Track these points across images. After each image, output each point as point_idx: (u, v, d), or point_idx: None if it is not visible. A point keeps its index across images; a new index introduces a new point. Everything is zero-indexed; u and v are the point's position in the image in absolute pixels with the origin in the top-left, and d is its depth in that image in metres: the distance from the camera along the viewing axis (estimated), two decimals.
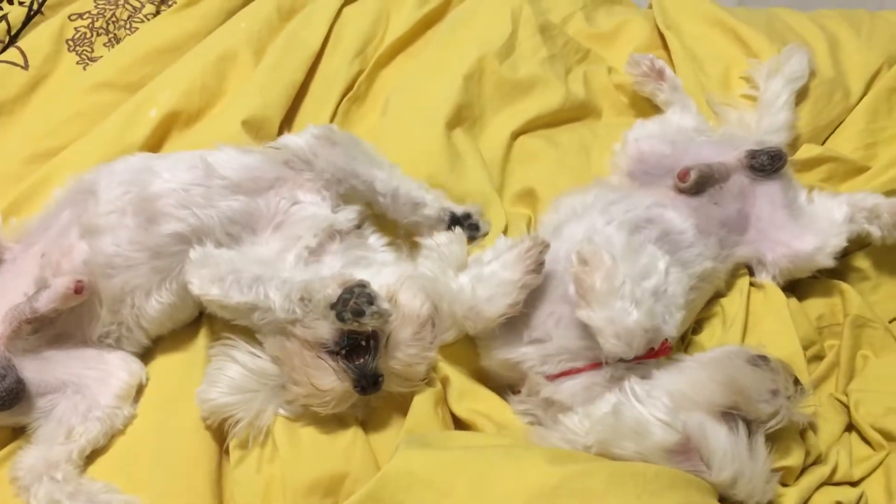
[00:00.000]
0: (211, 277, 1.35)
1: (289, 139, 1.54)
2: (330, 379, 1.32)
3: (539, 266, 1.37)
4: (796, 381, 1.31)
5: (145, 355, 1.51)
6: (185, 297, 1.44)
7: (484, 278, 1.37)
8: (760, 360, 1.32)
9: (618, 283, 1.30)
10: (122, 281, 1.42)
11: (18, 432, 1.44)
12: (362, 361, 1.32)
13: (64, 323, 1.45)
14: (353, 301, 1.28)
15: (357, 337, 1.33)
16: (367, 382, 1.32)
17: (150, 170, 1.47)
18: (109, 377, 1.43)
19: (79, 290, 1.40)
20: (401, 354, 1.35)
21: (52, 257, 1.45)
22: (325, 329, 1.33)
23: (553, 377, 1.38)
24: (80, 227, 1.45)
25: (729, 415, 1.28)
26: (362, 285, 1.31)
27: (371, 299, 1.29)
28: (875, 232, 1.62)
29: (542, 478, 1.15)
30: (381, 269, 1.47)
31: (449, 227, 1.57)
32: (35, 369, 1.41)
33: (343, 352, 1.33)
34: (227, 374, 1.37)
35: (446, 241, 1.50)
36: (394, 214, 1.58)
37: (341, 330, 1.32)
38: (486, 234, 1.62)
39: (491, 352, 1.44)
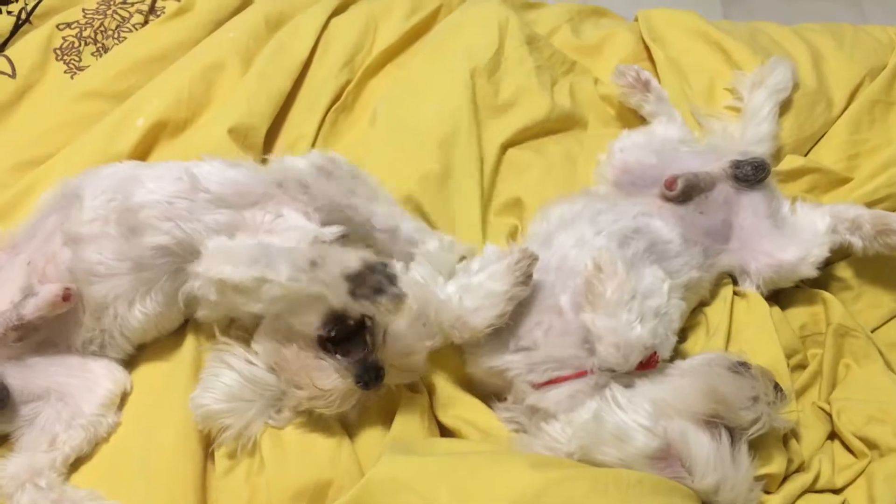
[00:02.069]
0: (224, 259, 1.33)
1: (289, 161, 1.51)
2: (332, 378, 1.31)
3: (527, 278, 1.38)
4: (777, 387, 1.33)
5: (130, 362, 1.50)
6: (170, 307, 1.44)
7: (472, 289, 1.38)
8: (741, 367, 1.33)
9: (627, 296, 1.32)
10: (105, 289, 1.41)
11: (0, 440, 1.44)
12: (362, 356, 1.30)
13: (48, 330, 1.44)
14: (375, 276, 1.24)
15: (346, 325, 1.31)
16: (370, 377, 1.30)
17: (136, 179, 1.46)
18: (94, 385, 1.43)
19: (67, 297, 1.39)
20: (399, 345, 1.33)
21: (38, 264, 1.44)
22: (312, 314, 1.30)
23: (539, 385, 1.39)
24: (63, 233, 1.44)
25: (711, 422, 1.29)
26: (384, 264, 1.26)
27: (392, 279, 1.24)
28: (857, 243, 1.64)
29: (525, 483, 1.15)
30: None
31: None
32: (19, 376, 1.41)
33: (339, 349, 1.32)
34: (222, 381, 1.36)
35: (437, 248, 1.51)
36: (391, 251, 1.52)
37: (330, 313, 1.30)
38: None
39: (477, 359, 1.45)
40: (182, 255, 1.41)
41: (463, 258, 1.56)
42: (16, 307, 1.39)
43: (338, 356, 1.31)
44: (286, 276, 1.26)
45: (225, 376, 1.37)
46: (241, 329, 1.46)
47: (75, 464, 1.39)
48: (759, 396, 1.30)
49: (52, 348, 1.46)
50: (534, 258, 1.38)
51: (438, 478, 1.18)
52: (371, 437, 1.39)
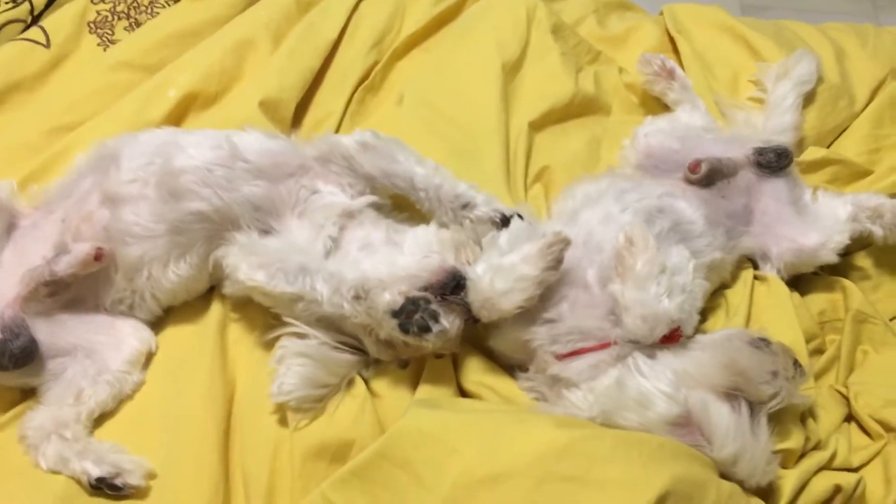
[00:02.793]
0: (258, 264, 1.37)
1: (336, 137, 1.55)
2: (452, 318, 1.36)
3: (558, 263, 1.37)
4: (796, 363, 1.34)
5: (156, 325, 1.52)
6: (202, 270, 1.47)
7: (503, 270, 1.36)
8: (761, 343, 1.34)
9: (657, 270, 1.34)
10: (140, 251, 1.44)
11: (27, 394, 1.45)
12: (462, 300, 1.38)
13: (79, 287, 1.47)
14: (419, 315, 1.29)
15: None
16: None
17: (176, 143, 1.49)
18: (120, 343, 1.45)
19: (99, 256, 1.42)
20: None
21: (73, 222, 1.46)
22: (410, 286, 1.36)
23: (562, 356, 1.40)
24: (101, 193, 1.46)
25: (731, 395, 1.30)
26: (427, 300, 1.31)
27: (436, 316, 1.30)
28: (877, 231, 1.65)
29: (549, 439, 1.17)
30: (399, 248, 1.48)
31: (498, 230, 1.51)
32: (48, 331, 1.43)
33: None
34: (298, 369, 1.37)
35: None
36: (440, 214, 1.52)
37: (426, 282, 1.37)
38: None
39: (502, 331, 1.46)
40: (218, 223, 1.45)
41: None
42: (48, 263, 1.42)
43: (444, 298, 1.37)
44: (326, 298, 1.33)
45: (302, 365, 1.37)
46: None
47: (101, 420, 1.42)
48: (779, 371, 1.31)
49: (82, 306, 1.48)
50: (567, 242, 1.38)
51: (464, 431, 1.20)
52: (395, 401, 1.40)
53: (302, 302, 1.36)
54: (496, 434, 1.19)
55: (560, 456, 1.15)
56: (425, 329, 1.29)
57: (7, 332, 1.36)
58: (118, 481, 1.30)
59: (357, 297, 1.32)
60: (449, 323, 1.31)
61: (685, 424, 1.25)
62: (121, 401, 1.43)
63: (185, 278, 1.47)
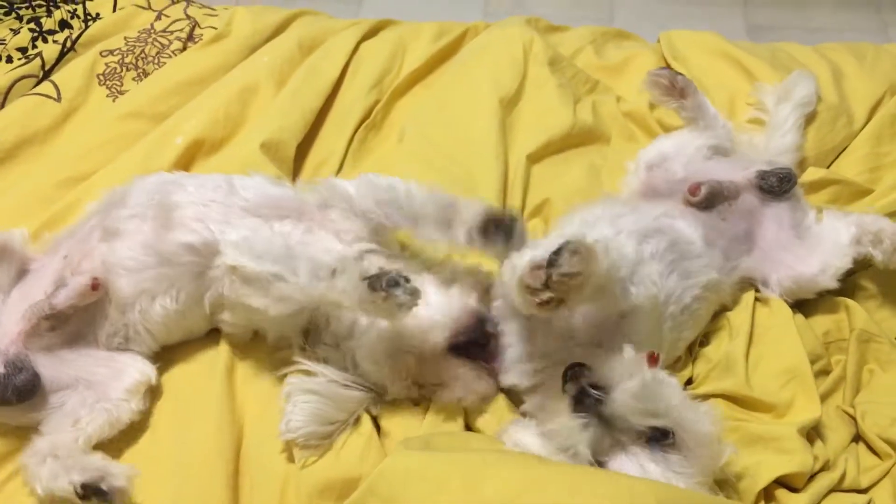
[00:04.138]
0: (247, 247, 1.37)
1: (336, 180, 1.58)
2: (488, 382, 1.42)
3: None
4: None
5: (165, 366, 1.54)
6: (192, 308, 1.49)
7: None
8: None
9: None
10: (132, 282, 1.47)
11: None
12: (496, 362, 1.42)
13: (79, 322, 1.50)
14: (391, 276, 1.27)
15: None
16: None
17: (178, 182, 1.55)
18: (120, 374, 1.47)
19: (95, 287, 1.46)
20: None
21: (74, 259, 1.51)
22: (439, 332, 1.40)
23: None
24: (102, 228, 1.51)
25: None
26: (398, 271, 1.30)
27: (407, 279, 1.28)
28: (877, 256, 1.63)
29: (533, 470, 1.19)
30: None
31: (484, 226, 1.48)
32: (50, 366, 1.46)
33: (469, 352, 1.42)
34: (306, 406, 1.38)
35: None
36: (431, 230, 1.50)
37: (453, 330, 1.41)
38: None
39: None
40: (206, 257, 1.46)
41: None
42: (48, 297, 1.46)
43: (479, 362, 1.42)
44: (304, 280, 1.31)
45: (309, 401, 1.39)
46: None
47: (114, 454, 1.43)
48: None
49: (82, 341, 1.51)
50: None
51: (449, 467, 1.22)
52: (399, 437, 1.41)
53: (281, 282, 1.33)
54: (481, 469, 1.20)
55: (544, 484, 1.16)
56: (394, 284, 1.27)
57: (10, 367, 1.40)
58: (103, 485, 1.32)
59: (334, 272, 1.30)
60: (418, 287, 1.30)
61: None
62: (119, 429, 1.44)
63: (172, 313, 1.49)
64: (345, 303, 1.31)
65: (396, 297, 1.27)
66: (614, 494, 1.13)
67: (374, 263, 1.47)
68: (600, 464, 1.25)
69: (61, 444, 1.37)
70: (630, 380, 1.25)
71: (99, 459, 1.37)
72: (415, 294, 1.28)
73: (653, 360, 1.31)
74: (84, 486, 1.31)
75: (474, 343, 1.45)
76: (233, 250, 1.37)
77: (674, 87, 1.85)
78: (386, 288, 1.26)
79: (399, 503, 1.20)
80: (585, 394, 1.25)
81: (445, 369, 1.42)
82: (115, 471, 1.34)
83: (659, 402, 1.25)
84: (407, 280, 1.28)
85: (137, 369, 1.48)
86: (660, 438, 1.25)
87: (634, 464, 1.24)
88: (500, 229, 1.45)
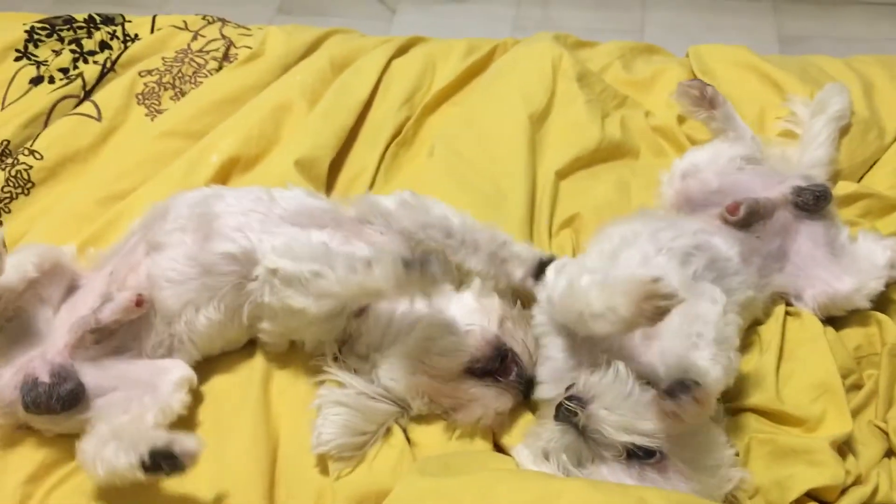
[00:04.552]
0: (285, 252, 1.42)
1: (376, 197, 1.62)
2: (506, 398, 1.43)
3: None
4: None
5: (201, 377, 1.56)
6: (232, 319, 1.52)
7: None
8: None
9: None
10: (175, 294, 1.51)
11: None
12: (516, 375, 1.44)
13: (123, 335, 1.53)
14: (422, 255, 1.31)
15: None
16: (530, 390, 1.44)
17: (218, 195, 1.59)
18: (165, 372, 1.50)
19: (139, 302, 1.50)
20: None
21: (120, 274, 1.56)
22: (457, 357, 1.43)
23: None
24: (146, 243, 1.56)
25: None
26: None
27: (439, 256, 1.32)
28: None
29: (544, 485, 1.20)
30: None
31: (537, 271, 1.56)
32: (95, 375, 1.49)
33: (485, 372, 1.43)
34: (337, 418, 1.41)
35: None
36: (474, 258, 1.57)
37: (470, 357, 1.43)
38: None
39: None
40: (245, 266, 1.50)
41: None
42: (94, 312, 1.50)
43: (497, 379, 1.43)
44: (342, 273, 1.35)
45: (339, 413, 1.41)
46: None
47: None
48: None
49: (126, 353, 1.55)
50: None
51: (464, 485, 1.24)
52: (432, 450, 1.44)
53: (319, 279, 1.36)
54: (493, 486, 1.22)
55: (557, 496, 1.17)
56: (427, 261, 1.30)
57: (56, 377, 1.44)
58: (175, 447, 1.29)
59: (369, 264, 1.33)
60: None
61: None
62: (171, 418, 1.44)
63: (215, 323, 1.53)
64: (383, 288, 1.33)
65: (432, 272, 1.30)
66: (623, 503, 1.15)
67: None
68: (580, 474, 1.29)
69: (123, 427, 1.37)
70: (609, 395, 1.27)
71: (164, 432, 1.37)
72: (448, 270, 1.33)
73: None
74: (153, 454, 1.29)
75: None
76: (273, 254, 1.42)
77: (703, 97, 1.86)
78: (421, 266, 1.30)
79: None
80: (562, 404, 1.29)
81: (462, 390, 1.43)
82: (185, 436, 1.32)
83: (643, 421, 1.27)
84: (438, 257, 1.31)
85: (180, 370, 1.51)
86: (642, 457, 1.27)
87: (612, 477, 1.26)
88: None
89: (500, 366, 1.45)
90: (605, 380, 1.30)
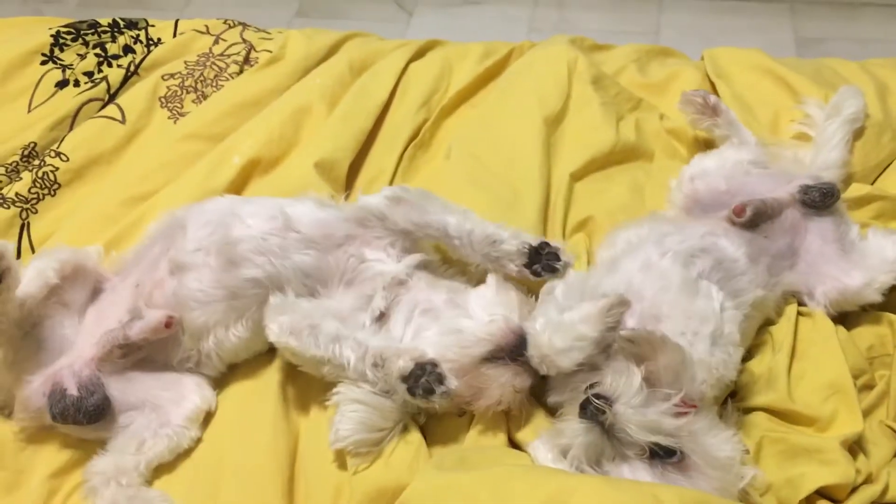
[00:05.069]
0: (290, 327, 1.47)
1: (365, 199, 1.63)
2: (523, 377, 1.44)
3: (618, 324, 1.40)
4: None
5: (221, 378, 1.62)
6: (259, 333, 1.55)
7: (562, 328, 1.39)
8: None
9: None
10: (204, 315, 1.55)
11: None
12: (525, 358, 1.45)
13: (150, 349, 1.58)
14: (425, 378, 1.39)
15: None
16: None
17: (235, 214, 1.60)
18: (183, 399, 1.55)
19: (169, 324, 1.54)
20: None
21: (146, 288, 1.59)
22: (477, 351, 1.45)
23: None
24: (169, 261, 1.59)
25: None
26: (434, 364, 1.41)
27: (441, 379, 1.40)
28: None
29: (559, 481, 1.23)
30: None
31: (529, 260, 1.58)
32: (120, 388, 1.54)
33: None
34: (354, 415, 1.43)
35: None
36: (472, 256, 1.60)
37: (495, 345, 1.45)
38: (567, 267, 1.60)
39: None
40: (270, 287, 1.55)
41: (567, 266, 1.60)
42: (123, 327, 1.54)
43: (515, 358, 1.45)
44: (353, 367, 1.44)
45: (356, 410, 1.44)
46: None
47: (174, 466, 1.51)
48: None
49: (151, 365, 1.59)
50: (626, 305, 1.41)
51: (479, 481, 1.27)
52: (447, 446, 1.47)
53: (328, 366, 1.46)
54: (508, 481, 1.25)
55: (571, 493, 1.19)
56: (429, 391, 1.39)
57: (83, 391, 1.48)
58: None
59: (376, 365, 1.43)
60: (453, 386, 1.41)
61: None
62: (178, 454, 1.51)
63: (244, 339, 1.57)
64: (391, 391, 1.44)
65: (433, 403, 1.41)
66: (638, 500, 1.17)
67: (424, 294, 1.57)
68: (602, 472, 1.31)
69: (125, 469, 1.45)
70: (632, 395, 1.30)
71: (159, 499, 1.44)
72: (449, 393, 1.40)
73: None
74: None
75: None
76: (277, 328, 1.47)
77: (707, 105, 1.91)
78: (423, 395, 1.40)
79: None
80: (589, 402, 1.31)
81: (479, 377, 1.45)
82: None
83: (666, 420, 1.29)
84: (440, 381, 1.39)
85: (200, 395, 1.55)
86: (664, 456, 1.29)
87: (631, 476, 1.28)
88: (545, 269, 1.57)
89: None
90: (626, 380, 1.32)
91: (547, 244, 1.59)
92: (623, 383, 1.32)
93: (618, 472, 1.30)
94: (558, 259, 1.58)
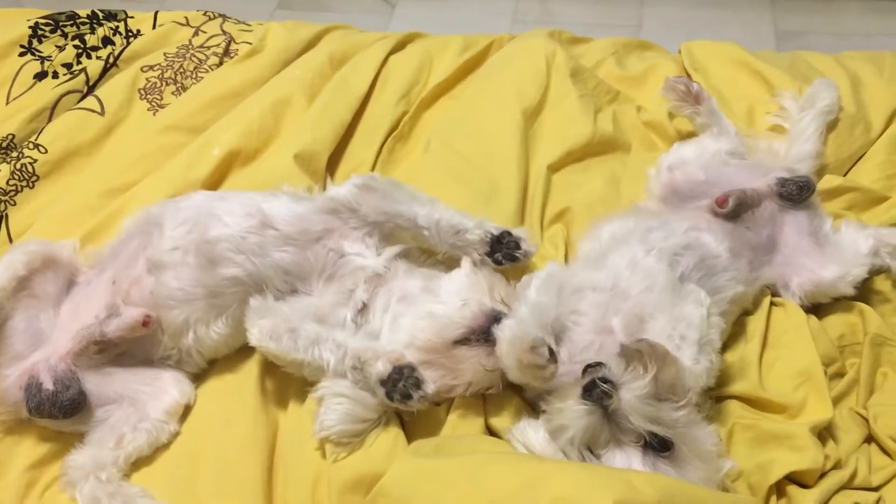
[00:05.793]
0: (270, 332, 1.48)
1: (334, 190, 1.64)
2: (494, 357, 1.44)
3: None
4: None
5: (199, 375, 1.63)
6: (240, 329, 1.56)
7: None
8: None
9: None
10: (183, 313, 1.56)
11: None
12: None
13: (127, 345, 1.59)
14: (402, 383, 1.41)
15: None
16: None
17: (211, 212, 1.60)
18: (162, 393, 1.55)
19: (146, 323, 1.54)
20: None
21: (123, 285, 1.59)
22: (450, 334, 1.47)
23: None
24: (146, 259, 1.58)
25: None
26: (411, 367, 1.43)
27: (418, 383, 1.42)
28: (894, 267, 1.71)
29: (536, 467, 1.25)
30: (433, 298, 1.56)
31: (491, 248, 1.60)
32: (96, 382, 1.55)
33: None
34: (338, 407, 1.44)
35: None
36: (440, 245, 1.62)
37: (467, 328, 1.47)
38: (529, 255, 1.63)
39: None
40: (251, 286, 1.56)
41: (528, 255, 1.62)
42: (100, 324, 1.54)
43: (487, 339, 1.46)
44: (332, 368, 1.46)
45: (341, 403, 1.45)
46: None
47: (154, 458, 1.52)
48: None
49: (129, 360, 1.60)
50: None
51: (457, 468, 1.29)
52: (426, 435, 1.48)
53: (309, 368, 1.48)
54: (486, 466, 1.27)
55: (546, 478, 1.21)
56: (407, 396, 1.41)
57: (58, 385, 1.49)
58: None
59: (355, 368, 1.45)
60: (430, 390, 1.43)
61: None
62: (156, 448, 1.52)
63: (225, 336, 1.58)
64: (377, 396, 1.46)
65: (411, 406, 1.43)
66: (614, 486, 1.18)
67: (400, 282, 1.58)
68: (594, 456, 1.32)
69: (104, 464, 1.46)
70: (634, 384, 1.31)
71: (139, 495, 1.45)
72: (426, 398, 1.42)
73: None
74: None
75: None
76: (258, 332, 1.48)
77: (689, 92, 1.93)
78: (401, 399, 1.42)
79: (411, 502, 1.27)
80: (595, 385, 1.31)
81: (451, 358, 1.47)
82: None
83: (666, 412, 1.31)
84: (417, 386, 1.42)
85: (179, 389, 1.55)
86: (657, 447, 1.31)
87: (625, 462, 1.30)
88: (506, 257, 1.60)
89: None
90: (633, 368, 1.33)
91: (509, 233, 1.61)
92: (629, 371, 1.33)
93: (610, 457, 1.32)
94: (518, 248, 1.61)
